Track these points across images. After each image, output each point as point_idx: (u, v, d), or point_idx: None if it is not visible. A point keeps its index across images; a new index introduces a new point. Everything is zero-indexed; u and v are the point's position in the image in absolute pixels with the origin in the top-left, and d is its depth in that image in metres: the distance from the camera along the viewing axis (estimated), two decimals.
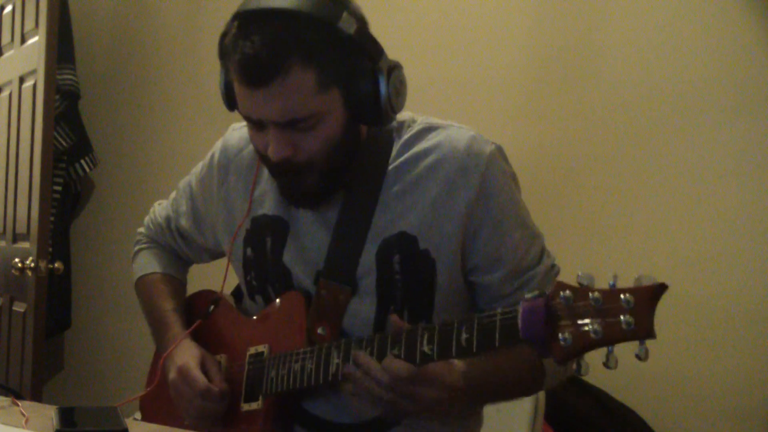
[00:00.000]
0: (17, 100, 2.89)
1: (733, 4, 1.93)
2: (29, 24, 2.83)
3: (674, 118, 2.00)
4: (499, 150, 1.30)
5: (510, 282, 1.27)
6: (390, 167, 1.29)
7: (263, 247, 1.36)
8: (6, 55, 3.04)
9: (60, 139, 3.03)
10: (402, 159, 1.29)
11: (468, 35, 2.34)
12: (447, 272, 1.26)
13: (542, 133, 2.20)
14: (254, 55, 1.13)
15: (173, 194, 1.59)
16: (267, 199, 1.37)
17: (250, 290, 1.41)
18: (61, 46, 2.86)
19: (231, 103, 1.27)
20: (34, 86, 2.74)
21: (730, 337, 1.91)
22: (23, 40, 2.90)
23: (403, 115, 1.34)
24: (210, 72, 2.95)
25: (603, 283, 0.96)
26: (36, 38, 2.76)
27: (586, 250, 2.12)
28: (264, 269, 1.37)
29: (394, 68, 1.21)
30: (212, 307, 1.41)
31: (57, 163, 3.02)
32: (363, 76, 1.19)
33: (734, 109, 1.93)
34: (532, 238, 1.30)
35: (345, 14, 1.16)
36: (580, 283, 0.96)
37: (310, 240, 1.32)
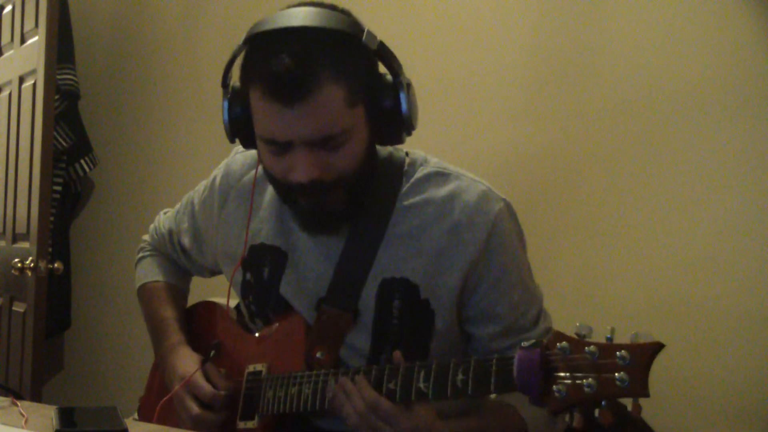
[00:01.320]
0: (17, 100, 2.89)
1: (733, 4, 1.93)
2: (29, 24, 2.83)
3: (674, 118, 2.00)
4: (508, 207, 1.31)
5: (503, 339, 1.29)
6: (399, 205, 1.29)
7: (260, 277, 1.36)
8: (6, 55, 3.04)
9: (60, 139, 3.03)
10: (412, 200, 1.29)
11: (468, 35, 2.34)
12: (444, 322, 1.28)
13: (542, 133, 2.20)
14: (287, 72, 1.10)
15: (178, 206, 1.59)
16: (264, 228, 1.36)
17: (249, 313, 1.41)
18: (61, 46, 2.85)
19: (235, 132, 1.24)
20: (34, 86, 2.74)
21: (730, 337, 1.91)
22: (23, 40, 2.90)
23: (415, 153, 1.35)
24: (210, 72, 2.96)
25: (600, 333, 0.96)
26: (36, 38, 2.76)
27: (586, 251, 2.12)
28: (263, 297, 1.37)
29: (410, 85, 1.21)
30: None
31: (57, 163, 3.02)
32: (385, 92, 1.19)
33: (734, 109, 1.93)
34: (531, 300, 1.31)
35: (367, 30, 1.17)
36: (577, 334, 0.96)
37: (309, 270, 1.32)
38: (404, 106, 1.18)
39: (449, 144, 2.31)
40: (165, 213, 1.63)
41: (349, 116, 1.15)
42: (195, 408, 1.32)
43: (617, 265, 2.07)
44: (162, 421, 1.42)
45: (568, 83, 2.17)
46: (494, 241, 1.26)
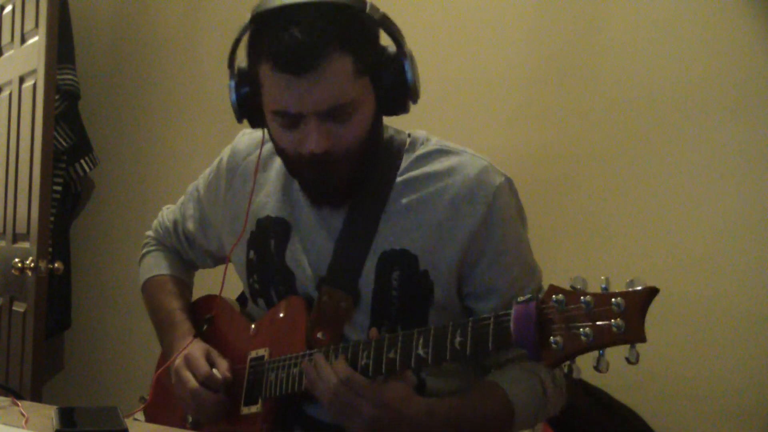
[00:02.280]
0: (17, 100, 2.89)
1: (733, 4, 1.93)
2: (29, 24, 2.84)
3: (674, 118, 2.00)
4: (509, 183, 1.31)
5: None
6: (399, 179, 1.30)
7: (267, 249, 1.37)
8: (6, 55, 3.04)
9: (60, 139, 3.04)
10: (412, 174, 1.30)
11: (468, 35, 2.34)
12: (443, 294, 1.28)
13: (542, 134, 2.20)
14: (297, 44, 1.13)
15: (182, 198, 1.60)
16: (270, 201, 1.37)
17: (252, 293, 1.41)
18: (61, 46, 2.86)
19: (243, 111, 1.27)
20: (34, 86, 2.74)
21: (730, 337, 1.91)
22: (23, 40, 2.90)
23: (417, 132, 1.36)
24: (210, 72, 2.96)
25: (597, 286, 0.96)
26: (36, 38, 2.76)
27: (586, 250, 2.12)
28: (267, 271, 1.37)
29: (412, 57, 1.24)
30: (205, 327, 1.41)
31: (57, 163, 3.02)
32: (390, 62, 1.22)
33: (734, 108, 1.92)
34: (530, 275, 1.32)
35: (369, 2, 1.20)
36: (572, 287, 0.97)
37: (311, 243, 1.33)
38: (409, 75, 1.22)
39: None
40: (168, 208, 1.64)
41: (356, 86, 1.18)
42: (191, 381, 1.31)
43: (617, 264, 2.07)
44: (163, 409, 1.43)
45: (568, 83, 2.17)
46: (494, 215, 1.26)
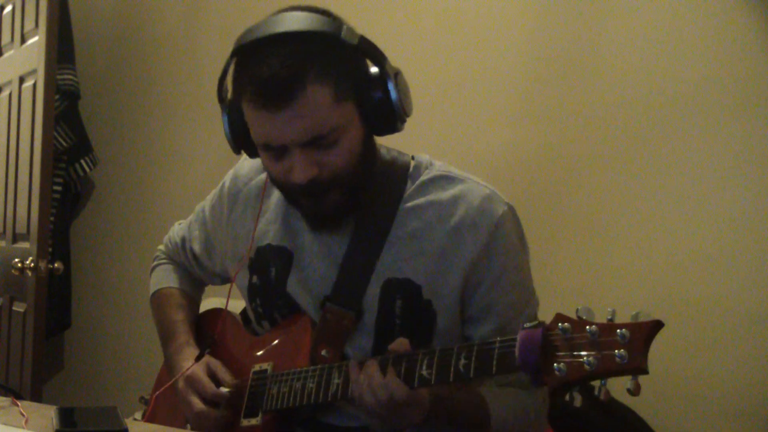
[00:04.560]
0: (17, 100, 2.89)
1: (733, 4, 1.93)
2: (29, 24, 2.83)
3: (674, 118, 2.00)
4: (512, 211, 1.32)
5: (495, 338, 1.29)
6: (403, 206, 1.31)
7: (267, 277, 1.38)
8: (6, 55, 3.04)
9: (60, 139, 3.03)
10: (416, 202, 1.31)
11: (468, 36, 2.34)
12: (446, 322, 1.29)
13: (542, 133, 2.20)
14: (272, 78, 1.14)
15: (191, 216, 1.61)
16: (271, 229, 1.38)
17: (257, 316, 1.43)
18: (61, 46, 2.85)
19: (239, 144, 1.27)
20: (34, 86, 2.74)
21: (730, 337, 1.91)
22: (23, 40, 2.90)
23: (420, 157, 1.37)
24: (210, 72, 2.96)
25: (603, 308, 0.97)
26: (36, 38, 2.76)
27: (586, 250, 2.12)
28: (270, 297, 1.39)
29: (398, 73, 1.23)
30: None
31: (57, 163, 3.02)
32: (373, 84, 1.20)
33: (734, 109, 1.93)
34: (527, 302, 1.33)
35: (345, 26, 1.18)
36: (579, 317, 0.98)
37: (313, 271, 1.33)
38: (393, 94, 1.20)
39: (449, 144, 2.31)
40: (179, 224, 1.65)
41: (338, 113, 1.17)
42: (198, 404, 1.32)
43: (616, 265, 2.07)
44: (165, 418, 1.43)
45: (567, 84, 2.17)
46: (496, 243, 1.28)
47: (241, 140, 1.27)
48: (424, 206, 1.30)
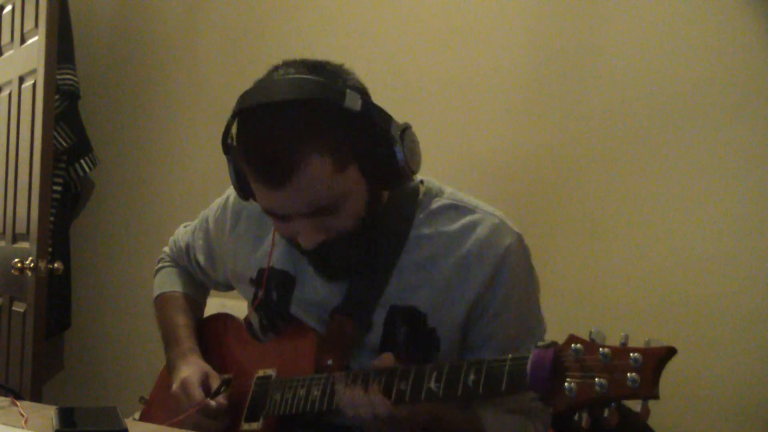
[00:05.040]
0: (17, 100, 2.89)
1: (733, 4, 1.93)
2: (29, 24, 2.83)
3: (674, 118, 2.00)
4: (519, 241, 1.31)
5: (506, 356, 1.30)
6: (413, 234, 1.30)
7: (269, 298, 1.38)
8: (6, 55, 3.04)
9: (60, 139, 3.03)
10: (425, 231, 1.30)
11: (467, 35, 2.34)
12: (449, 350, 1.29)
13: (542, 134, 2.20)
14: (268, 157, 1.12)
15: (195, 222, 1.61)
16: (274, 252, 1.37)
17: (262, 328, 1.43)
18: (61, 46, 2.85)
19: (247, 193, 1.26)
20: (34, 86, 2.74)
21: (730, 337, 1.91)
22: (23, 40, 2.90)
23: (430, 183, 1.36)
24: (210, 72, 2.96)
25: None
26: (36, 38, 2.76)
27: (586, 251, 2.12)
28: (273, 315, 1.39)
29: (405, 130, 1.20)
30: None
31: (57, 163, 3.02)
32: (377, 148, 1.17)
33: (734, 109, 1.92)
34: (528, 334, 1.31)
35: (348, 91, 1.15)
36: (591, 339, 0.97)
37: (317, 295, 1.34)
38: (399, 156, 1.18)
39: (449, 144, 2.31)
40: (185, 226, 1.65)
41: (340, 182, 1.16)
42: (188, 410, 1.32)
43: (617, 265, 2.07)
44: (159, 419, 1.43)
45: (568, 83, 2.17)
46: (500, 275, 1.27)
47: (248, 190, 1.25)
48: (433, 236, 1.30)
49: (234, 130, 1.19)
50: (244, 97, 1.17)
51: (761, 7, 1.90)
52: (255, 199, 1.26)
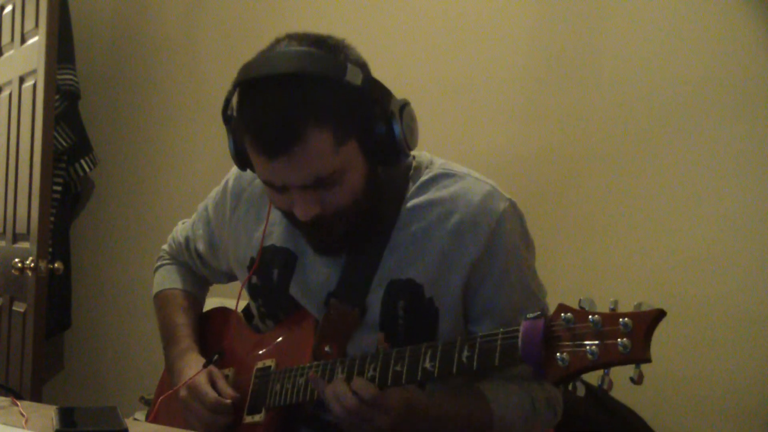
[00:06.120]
0: (17, 100, 2.89)
1: (733, 4, 1.93)
2: (29, 24, 2.83)
3: (674, 119, 2.00)
4: (513, 206, 1.31)
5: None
6: (404, 207, 1.30)
7: (270, 278, 1.37)
8: (6, 55, 3.04)
9: (60, 139, 3.03)
10: (417, 201, 1.30)
11: (468, 35, 2.34)
12: (449, 320, 1.29)
13: (542, 133, 2.20)
14: (269, 127, 1.12)
15: (194, 215, 1.60)
16: (276, 230, 1.37)
17: (260, 315, 1.43)
18: (61, 46, 2.85)
19: (244, 163, 1.26)
20: (34, 86, 2.74)
21: (730, 337, 1.91)
22: (23, 40, 2.90)
23: (421, 156, 1.36)
24: (210, 72, 2.96)
25: (604, 304, 0.97)
26: (36, 38, 2.76)
27: (586, 250, 2.12)
28: (272, 298, 1.39)
29: (404, 107, 1.20)
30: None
31: (57, 163, 3.02)
32: (376, 123, 1.18)
33: (734, 109, 1.93)
34: (531, 301, 1.31)
35: (349, 66, 1.15)
36: (581, 307, 0.97)
37: (316, 274, 1.33)
38: (397, 131, 1.18)
39: (449, 144, 2.31)
40: (183, 223, 1.65)
41: (339, 156, 1.16)
42: (200, 412, 1.33)
43: (617, 264, 2.07)
44: (165, 422, 1.43)
45: (568, 83, 2.17)
46: (496, 241, 1.26)
47: (246, 161, 1.25)
48: (424, 205, 1.29)
49: (234, 101, 1.19)
50: (245, 69, 1.17)
51: (761, 7, 1.90)
52: (253, 170, 1.25)
